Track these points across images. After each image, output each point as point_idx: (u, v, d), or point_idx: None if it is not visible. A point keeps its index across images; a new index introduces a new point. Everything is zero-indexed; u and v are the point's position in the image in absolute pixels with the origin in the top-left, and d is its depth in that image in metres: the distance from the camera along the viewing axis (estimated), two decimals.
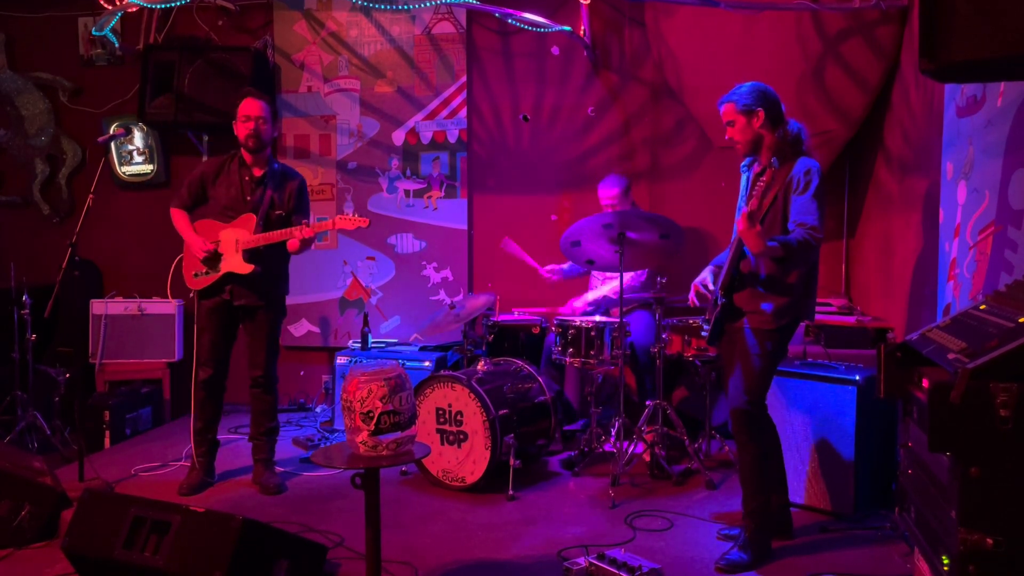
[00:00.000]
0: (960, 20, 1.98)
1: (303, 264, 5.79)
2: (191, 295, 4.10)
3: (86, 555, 2.80)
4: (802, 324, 3.76)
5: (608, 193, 4.77)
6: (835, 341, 4.07)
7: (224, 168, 4.05)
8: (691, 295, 3.45)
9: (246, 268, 3.93)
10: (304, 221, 3.94)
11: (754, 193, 3.03)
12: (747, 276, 3.18)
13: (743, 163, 3.33)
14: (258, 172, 4.01)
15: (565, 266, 5.06)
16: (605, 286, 4.93)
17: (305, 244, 3.92)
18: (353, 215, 3.88)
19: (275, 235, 3.89)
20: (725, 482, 4.08)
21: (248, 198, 3.98)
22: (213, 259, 3.96)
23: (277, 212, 3.99)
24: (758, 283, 3.16)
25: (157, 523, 2.70)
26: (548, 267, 5.01)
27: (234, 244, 3.94)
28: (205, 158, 5.82)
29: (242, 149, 4.02)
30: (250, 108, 3.94)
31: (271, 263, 4.01)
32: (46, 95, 6.04)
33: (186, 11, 5.69)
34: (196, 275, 4.02)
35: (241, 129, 3.95)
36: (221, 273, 3.96)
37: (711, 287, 3.35)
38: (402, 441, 2.66)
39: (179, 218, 4.07)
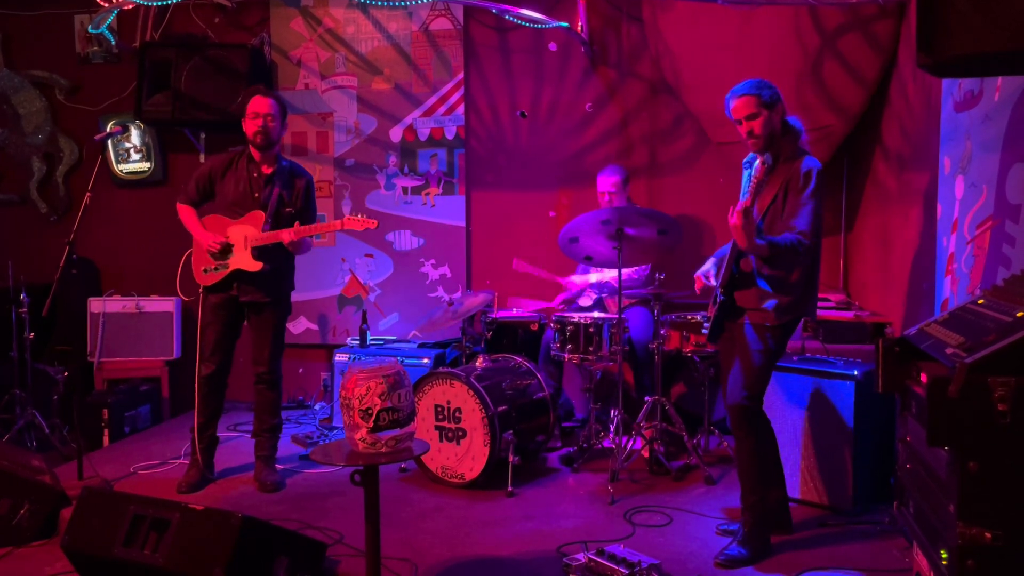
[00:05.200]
0: (957, 14, 1.98)
1: (301, 262, 5.76)
2: (199, 291, 4.08)
3: (86, 553, 2.81)
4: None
5: (608, 180, 4.76)
6: (833, 336, 4.07)
7: (233, 164, 4.05)
8: (696, 285, 3.44)
9: (255, 266, 3.93)
10: (297, 223, 3.90)
11: (750, 189, 3.02)
12: (748, 274, 3.17)
13: (745, 159, 3.30)
14: (267, 169, 4.00)
15: (577, 273, 5.05)
16: (605, 273, 4.85)
17: (297, 246, 3.89)
18: (360, 216, 3.87)
19: (284, 233, 3.87)
20: (724, 478, 4.09)
21: (256, 195, 3.98)
22: (224, 253, 3.96)
23: (287, 210, 3.99)
24: (760, 281, 3.14)
25: (156, 521, 2.70)
26: (567, 279, 4.96)
27: (243, 240, 3.94)
28: (202, 156, 5.82)
29: (250, 146, 4.01)
30: (259, 105, 3.93)
31: (278, 260, 4.02)
32: (43, 93, 6.01)
33: (182, 8, 5.68)
34: (206, 271, 4.02)
35: (250, 126, 3.94)
36: (231, 269, 3.96)
37: (713, 281, 3.34)
38: (401, 438, 2.66)
39: (187, 214, 4.06)
